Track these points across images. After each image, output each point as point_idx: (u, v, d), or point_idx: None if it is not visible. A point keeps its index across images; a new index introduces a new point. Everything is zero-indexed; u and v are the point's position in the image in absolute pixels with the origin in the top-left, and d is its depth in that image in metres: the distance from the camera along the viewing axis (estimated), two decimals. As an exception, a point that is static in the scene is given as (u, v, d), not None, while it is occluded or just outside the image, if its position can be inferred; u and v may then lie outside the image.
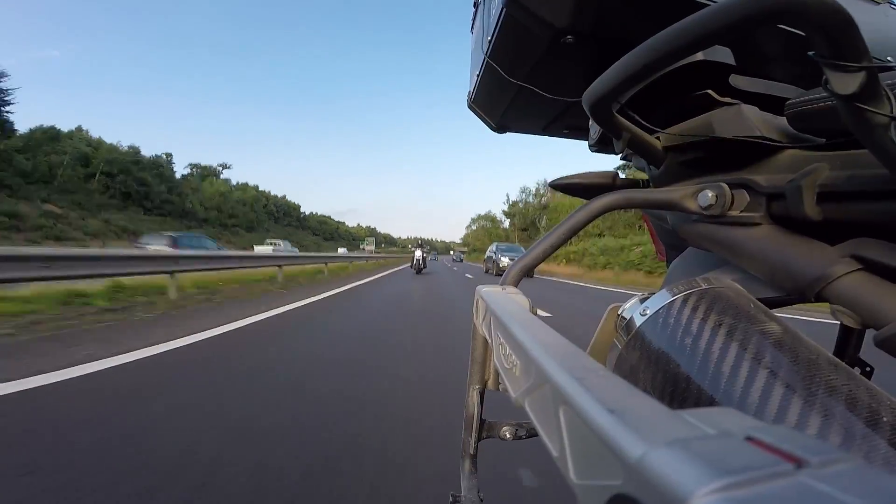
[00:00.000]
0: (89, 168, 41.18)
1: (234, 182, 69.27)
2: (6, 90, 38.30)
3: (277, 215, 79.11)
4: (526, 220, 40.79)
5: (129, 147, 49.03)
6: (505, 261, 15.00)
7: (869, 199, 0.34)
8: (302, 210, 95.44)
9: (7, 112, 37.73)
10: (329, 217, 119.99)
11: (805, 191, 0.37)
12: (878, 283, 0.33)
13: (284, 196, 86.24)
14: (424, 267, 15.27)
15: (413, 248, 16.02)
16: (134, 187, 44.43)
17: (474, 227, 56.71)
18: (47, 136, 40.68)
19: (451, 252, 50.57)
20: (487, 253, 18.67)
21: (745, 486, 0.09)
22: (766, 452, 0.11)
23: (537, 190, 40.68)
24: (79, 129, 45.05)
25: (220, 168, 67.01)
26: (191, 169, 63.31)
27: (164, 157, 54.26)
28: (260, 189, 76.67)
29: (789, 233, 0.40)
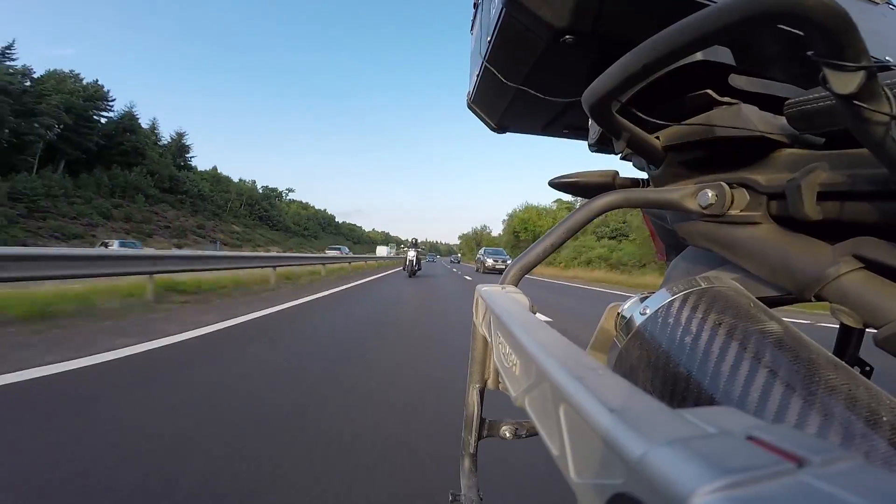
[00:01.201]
0: (224, 193, 64.16)
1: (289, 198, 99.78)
2: (188, 146, 59.49)
3: (324, 225, 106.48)
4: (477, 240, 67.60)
5: (244, 180, 77.99)
6: (489, 261, 18.69)
7: (868, 198, 0.34)
8: (336, 220, 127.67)
9: (190, 161, 59.27)
10: (356, 225, 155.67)
11: (805, 190, 0.37)
12: (878, 282, 0.33)
13: (325, 209, 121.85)
14: (419, 269, 13.81)
15: (406, 248, 13.90)
16: (263, 212, 70.15)
17: (462, 240, 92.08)
18: (215, 178, 63.54)
19: (451, 256, 72.01)
20: (477, 255, 22.87)
21: (746, 485, 0.09)
22: (766, 451, 0.11)
23: (483, 226, 74.86)
24: (214, 168, 68.15)
25: (287, 191, 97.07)
26: (262, 191, 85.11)
27: (250, 182, 78.93)
28: (305, 203, 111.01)
29: (789, 232, 0.40)
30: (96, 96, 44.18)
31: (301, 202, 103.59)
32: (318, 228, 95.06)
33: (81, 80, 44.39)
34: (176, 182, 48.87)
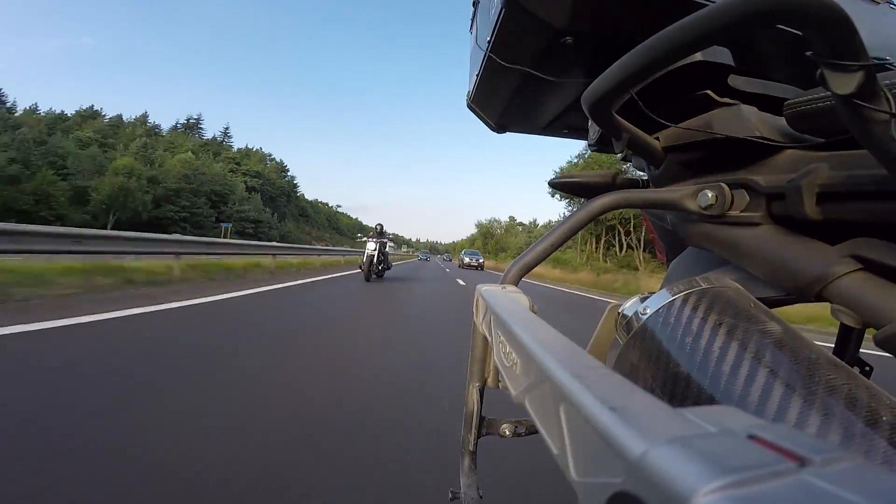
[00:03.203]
0: (319, 216, 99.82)
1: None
2: (297, 184, 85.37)
3: (359, 229, 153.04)
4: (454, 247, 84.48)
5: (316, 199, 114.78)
6: (466, 259, 24.99)
7: (868, 198, 0.34)
8: (363, 223, 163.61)
9: (298, 194, 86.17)
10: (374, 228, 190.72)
11: (805, 191, 0.37)
12: (878, 282, 0.33)
13: (357, 218, 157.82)
14: (387, 268, 9.10)
15: (367, 239, 8.37)
16: (335, 223, 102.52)
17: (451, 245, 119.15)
18: (310, 204, 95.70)
19: (444, 255, 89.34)
20: (460, 255, 29.89)
21: (747, 484, 0.09)
22: (768, 451, 0.11)
23: (457, 239, 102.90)
24: (302, 195, 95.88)
25: (336, 206, 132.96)
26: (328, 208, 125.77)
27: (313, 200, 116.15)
28: (349, 215, 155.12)
29: (789, 233, 0.40)
30: (284, 168, 78.51)
31: (348, 215, 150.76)
32: (357, 232, 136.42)
33: (273, 158, 76.64)
34: (303, 209, 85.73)
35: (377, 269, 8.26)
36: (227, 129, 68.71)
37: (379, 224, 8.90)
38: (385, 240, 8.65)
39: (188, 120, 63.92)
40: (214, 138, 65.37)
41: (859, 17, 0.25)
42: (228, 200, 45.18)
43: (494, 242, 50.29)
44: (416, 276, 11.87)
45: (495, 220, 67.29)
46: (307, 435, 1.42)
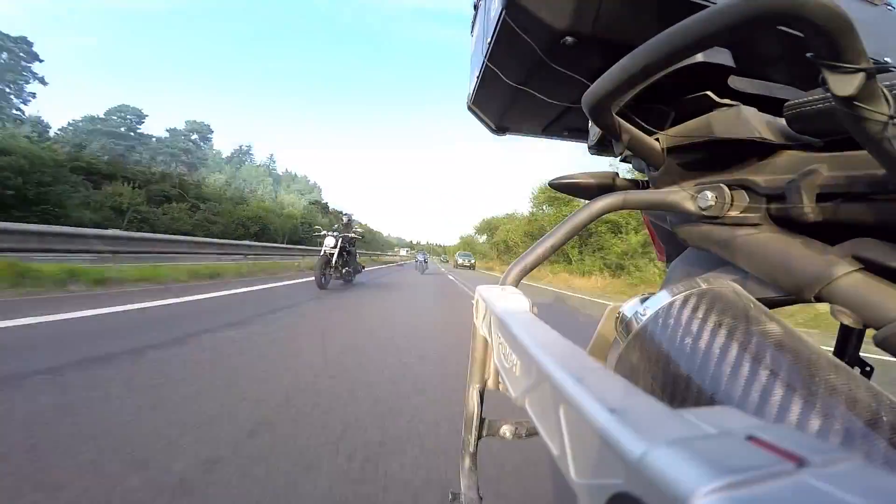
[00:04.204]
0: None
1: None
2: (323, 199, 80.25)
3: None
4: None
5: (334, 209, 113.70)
6: (460, 260, 28.08)
7: (867, 199, 0.34)
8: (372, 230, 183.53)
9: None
10: (379, 231, 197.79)
11: (804, 191, 0.37)
12: (878, 283, 0.33)
13: (367, 224, 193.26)
14: (354, 271, 7.05)
15: (325, 234, 6.24)
16: (358, 228, 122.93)
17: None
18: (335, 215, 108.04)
19: (441, 256, 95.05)
20: (455, 257, 33.61)
21: (747, 485, 0.09)
22: (767, 452, 0.11)
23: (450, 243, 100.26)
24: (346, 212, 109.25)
25: (350, 215, 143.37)
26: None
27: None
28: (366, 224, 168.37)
29: (789, 233, 0.40)
30: (316, 189, 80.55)
31: (366, 224, 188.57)
32: (370, 239, 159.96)
33: (308, 179, 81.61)
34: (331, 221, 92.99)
35: (340, 273, 6.26)
36: (272, 155, 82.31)
37: (346, 214, 7.13)
38: (351, 235, 6.64)
39: (240, 147, 79.73)
40: (266, 166, 77.98)
41: (858, 18, 0.25)
42: (313, 224, 66.54)
43: (471, 249, 72.40)
44: (407, 282, 9.66)
45: (469, 235, 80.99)
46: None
